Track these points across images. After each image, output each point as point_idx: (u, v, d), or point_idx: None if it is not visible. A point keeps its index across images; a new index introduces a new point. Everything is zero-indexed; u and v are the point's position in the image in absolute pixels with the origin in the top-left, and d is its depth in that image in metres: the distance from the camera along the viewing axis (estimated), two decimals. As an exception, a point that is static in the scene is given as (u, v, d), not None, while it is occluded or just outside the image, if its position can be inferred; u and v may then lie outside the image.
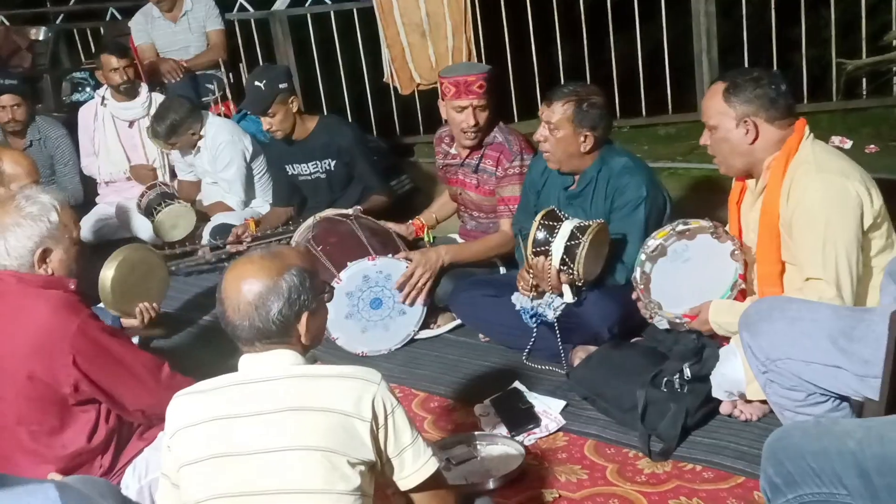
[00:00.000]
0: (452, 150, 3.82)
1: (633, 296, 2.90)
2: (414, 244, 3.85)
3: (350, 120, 5.87)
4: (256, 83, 4.15)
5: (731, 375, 2.66)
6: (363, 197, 4.27)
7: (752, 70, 2.65)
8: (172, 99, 4.87)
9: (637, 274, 2.77)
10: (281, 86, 4.16)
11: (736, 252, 2.73)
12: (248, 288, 1.89)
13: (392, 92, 5.96)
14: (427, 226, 3.96)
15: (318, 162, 4.35)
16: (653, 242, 2.76)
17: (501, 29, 5.87)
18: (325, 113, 5.86)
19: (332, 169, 4.33)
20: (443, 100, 3.63)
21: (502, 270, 3.73)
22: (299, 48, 6.20)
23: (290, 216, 4.58)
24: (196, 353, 3.73)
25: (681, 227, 2.75)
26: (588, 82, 5.57)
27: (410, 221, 3.97)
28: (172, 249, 4.59)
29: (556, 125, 3.16)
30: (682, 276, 2.77)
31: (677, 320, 2.79)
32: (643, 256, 2.75)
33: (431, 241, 3.87)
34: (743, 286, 2.75)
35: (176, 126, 4.69)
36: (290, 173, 4.46)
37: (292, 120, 4.24)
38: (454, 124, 3.63)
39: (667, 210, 3.26)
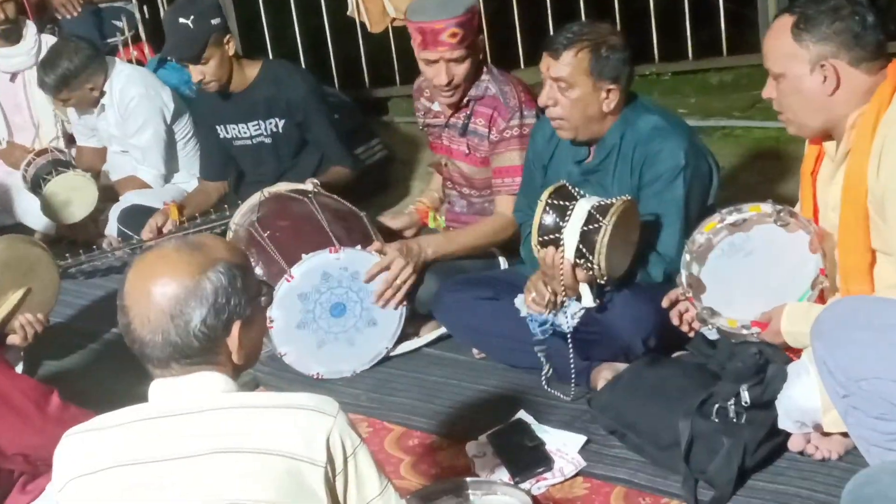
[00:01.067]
0: (434, 107, 3.82)
1: (673, 308, 2.91)
2: (395, 233, 3.85)
3: (303, 67, 5.85)
4: (181, 19, 4.14)
5: (803, 401, 2.66)
6: (321, 168, 4.27)
7: (829, -1, 2.65)
8: (67, 40, 4.85)
9: (683, 278, 2.78)
10: (214, 21, 4.16)
11: (814, 241, 2.73)
12: (160, 291, 1.88)
13: (359, 30, 5.94)
14: (432, 208, 3.97)
15: (260, 122, 4.34)
16: (699, 237, 2.77)
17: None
18: (270, 58, 5.84)
19: (280, 131, 4.33)
20: (414, 47, 3.64)
21: (503, 264, 3.72)
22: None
23: (223, 194, 4.57)
24: (98, 377, 3.71)
25: (733, 217, 2.75)
26: (612, 17, 5.61)
27: (412, 207, 3.98)
28: (71, 238, 4.58)
29: (569, 81, 3.16)
30: (746, 273, 2.77)
31: (744, 330, 2.80)
32: (688, 256, 2.76)
33: (443, 226, 3.88)
34: (826, 284, 2.75)
35: (68, 77, 4.67)
36: (222, 137, 4.45)
37: (228, 67, 4.23)
38: (427, 79, 3.64)
39: (713, 182, 3.27)
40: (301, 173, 4.17)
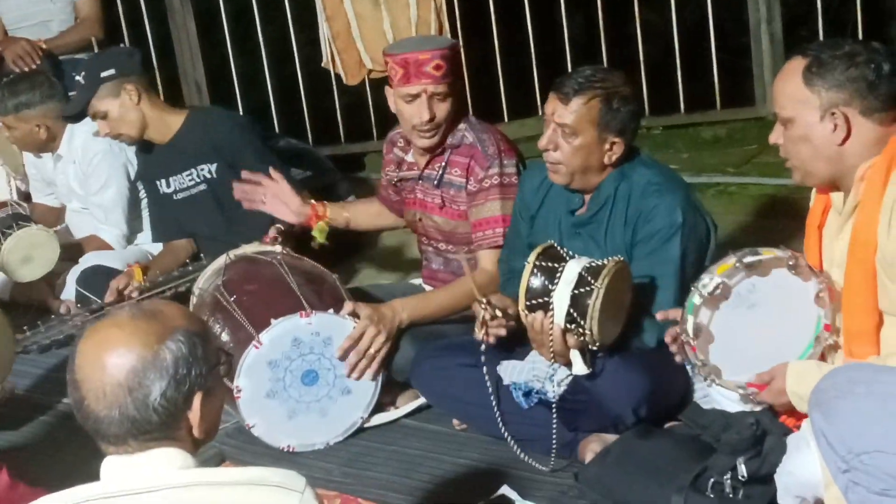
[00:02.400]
0: (409, 157, 3.83)
1: (678, 357, 2.88)
2: (370, 296, 3.84)
3: (274, 123, 5.88)
4: (76, 76, 4.21)
5: (803, 475, 2.63)
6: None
7: (842, 43, 2.64)
8: (44, 74, 4.89)
9: (689, 325, 2.74)
10: (105, 73, 4.19)
11: (822, 294, 2.72)
12: (115, 363, 1.86)
13: (334, 82, 5.97)
14: (328, 219, 3.94)
15: (193, 170, 4.36)
16: (710, 280, 2.73)
17: (485, -6, 5.95)
18: (241, 110, 5.86)
19: (214, 176, 4.33)
20: (391, 86, 3.66)
21: (484, 329, 3.70)
22: (205, 22, 6.22)
23: (192, 253, 4.56)
24: (52, 452, 3.67)
25: (749, 259, 2.72)
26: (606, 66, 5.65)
27: (311, 201, 3.94)
28: (26, 301, 4.54)
29: (575, 128, 3.18)
30: (746, 328, 2.75)
31: (740, 391, 2.78)
32: (697, 299, 2.73)
33: (323, 241, 3.86)
34: (831, 341, 2.73)
35: (20, 105, 4.68)
36: (162, 192, 4.45)
37: (137, 116, 4.25)
38: (405, 120, 3.65)
39: (710, 243, 3.27)
40: (252, 222, 4.15)
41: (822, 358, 2.75)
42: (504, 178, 3.58)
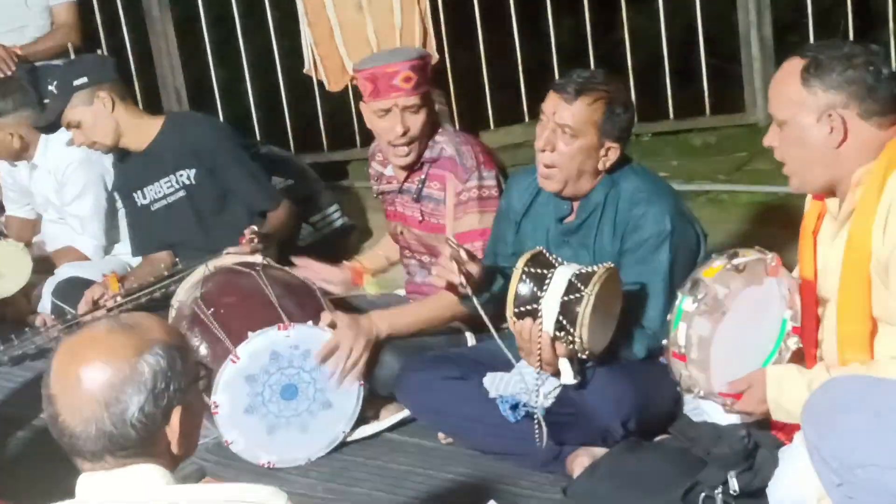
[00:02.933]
0: (387, 171, 3.84)
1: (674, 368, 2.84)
2: (352, 307, 3.83)
3: (255, 130, 5.86)
4: (48, 86, 4.20)
5: (796, 489, 2.63)
6: (253, 221, 4.21)
7: (841, 44, 2.65)
8: (17, 81, 4.87)
9: (680, 335, 2.67)
10: (77, 81, 4.18)
11: (784, 293, 2.70)
12: (92, 377, 1.85)
13: (316, 89, 5.96)
14: (371, 270, 3.95)
15: (171, 176, 4.34)
16: (703, 284, 2.67)
17: (471, 0, 5.93)
18: (222, 118, 5.85)
19: (193, 182, 4.31)
20: (364, 101, 3.68)
21: (470, 340, 3.71)
22: (185, 29, 6.20)
23: (171, 264, 4.53)
24: (26, 468, 3.66)
25: (738, 260, 2.71)
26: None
27: (346, 263, 3.95)
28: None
29: (577, 129, 3.18)
30: (722, 335, 2.74)
31: (717, 399, 2.77)
32: (691, 301, 2.66)
33: (377, 292, 3.86)
34: (798, 345, 2.72)
35: None
36: (140, 204, 4.43)
37: (112, 123, 4.23)
38: (379, 136, 3.68)
39: (700, 251, 3.28)
40: (230, 230, 4.12)
41: (790, 361, 2.73)
42: (483, 190, 3.59)
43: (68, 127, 4.25)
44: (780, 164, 2.74)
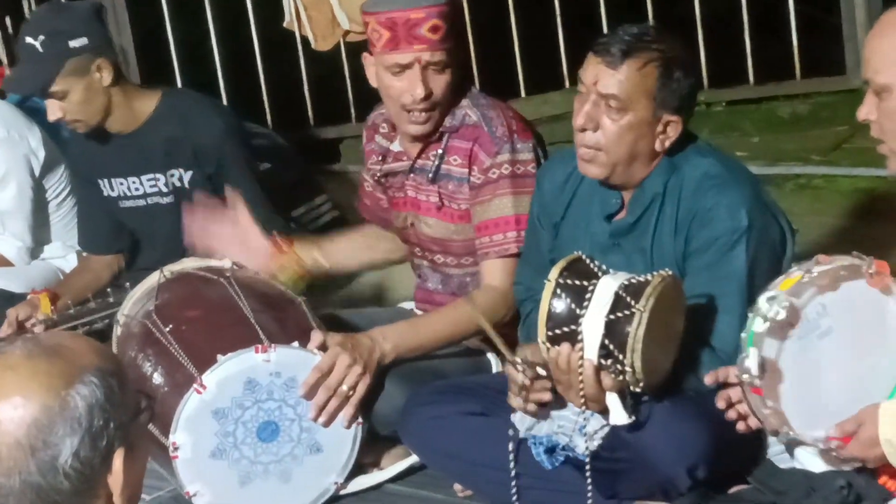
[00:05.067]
0: (395, 146, 3.84)
1: (736, 403, 2.86)
2: (346, 323, 3.85)
3: (222, 99, 5.88)
4: (28, 39, 4.16)
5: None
6: None
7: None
8: None
9: (750, 362, 2.71)
10: (74, 43, 4.16)
11: None
12: (11, 416, 1.85)
13: (300, 48, 5.99)
14: (298, 261, 3.90)
15: (156, 175, 4.34)
16: (779, 300, 2.70)
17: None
18: (179, 86, 5.87)
19: (185, 186, 4.32)
20: (371, 53, 3.67)
21: (494, 365, 3.73)
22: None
23: (115, 273, 4.56)
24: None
25: (820, 269, 2.72)
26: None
27: (273, 235, 3.91)
28: None
29: (625, 101, 3.19)
30: (819, 363, 2.75)
31: (819, 446, 2.77)
32: (760, 322, 2.71)
33: (300, 290, 3.83)
34: None
35: None
36: (105, 195, 4.45)
37: (101, 101, 4.23)
38: (390, 98, 3.66)
39: (787, 251, 3.27)
40: None
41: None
42: (517, 166, 3.59)
43: (48, 96, 4.23)
44: (885, 142, 2.75)
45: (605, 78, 3.19)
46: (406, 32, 3.55)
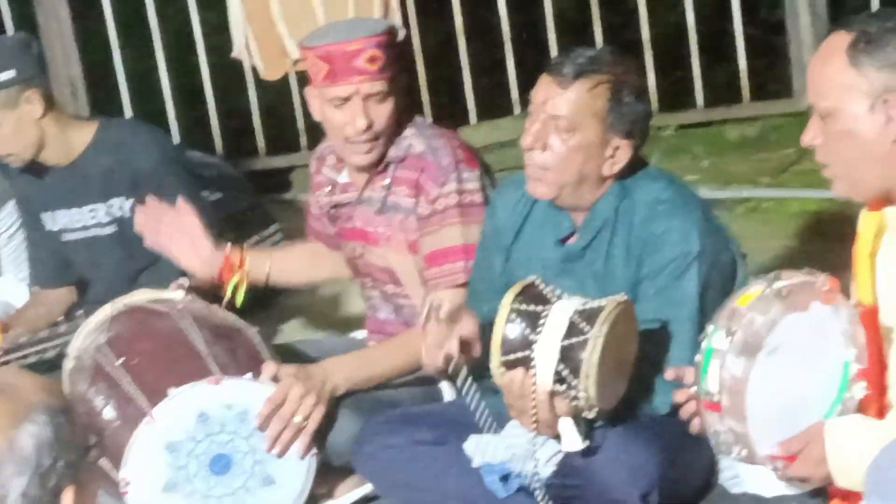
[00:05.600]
0: (342, 178, 3.84)
1: (694, 425, 2.86)
2: (299, 354, 3.84)
3: (171, 129, 5.85)
4: None
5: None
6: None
7: (895, 13, 2.67)
8: None
9: (712, 380, 2.67)
10: (3, 76, 4.11)
11: (845, 326, 2.71)
12: (-46, 458, 1.85)
13: (250, 77, 5.98)
14: (243, 274, 3.89)
15: (97, 205, 4.32)
16: (742, 314, 2.69)
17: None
18: (128, 117, 5.85)
19: (127, 215, 4.30)
20: (312, 86, 3.67)
21: (447, 394, 3.72)
22: (81, 4, 6.21)
23: (70, 306, 4.53)
24: None
25: (780, 284, 2.72)
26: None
27: (228, 248, 3.89)
28: None
29: (574, 121, 3.20)
30: (768, 380, 2.73)
31: (769, 464, 2.76)
32: (723, 336, 2.67)
33: (240, 301, 3.83)
34: (866, 391, 2.73)
35: None
36: (48, 229, 4.43)
37: (34, 133, 4.20)
38: (333, 130, 3.66)
39: (737, 275, 3.29)
40: (166, 273, 4.13)
41: (859, 410, 2.74)
42: (464, 196, 3.59)
43: None
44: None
45: (554, 98, 3.20)
46: (344, 65, 3.55)
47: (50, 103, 4.25)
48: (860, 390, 2.72)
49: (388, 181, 3.69)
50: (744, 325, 2.67)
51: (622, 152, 3.24)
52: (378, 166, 3.69)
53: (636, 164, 3.32)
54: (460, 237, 3.58)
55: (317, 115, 3.72)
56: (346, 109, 3.58)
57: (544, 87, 3.22)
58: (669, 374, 2.94)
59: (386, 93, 3.59)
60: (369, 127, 3.58)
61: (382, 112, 3.60)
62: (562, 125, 3.19)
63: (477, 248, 3.57)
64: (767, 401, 2.70)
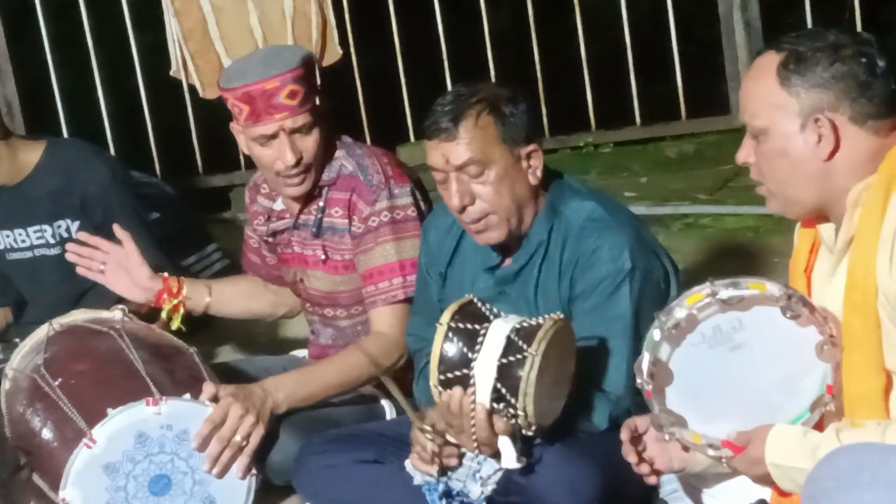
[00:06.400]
0: (277, 206, 3.84)
1: (631, 458, 2.88)
2: (239, 373, 3.83)
3: (109, 148, 5.82)
4: None
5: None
6: None
7: (825, 33, 2.68)
8: None
9: (645, 364, 2.70)
10: None
11: (826, 346, 2.73)
12: None
13: (187, 95, 5.96)
14: (181, 299, 3.91)
15: (43, 227, 4.30)
16: (678, 312, 2.71)
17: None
18: (64, 135, 5.82)
19: (73, 237, 4.28)
20: (236, 124, 3.68)
21: (388, 412, 3.73)
22: (15, 22, 6.18)
23: (4, 327, 4.52)
24: None
25: (729, 292, 2.71)
26: (532, 72, 5.66)
27: (164, 276, 3.90)
28: None
29: (481, 159, 3.19)
30: (729, 372, 2.72)
31: (710, 450, 2.77)
32: (657, 333, 2.70)
33: (178, 327, 3.85)
34: (831, 407, 2.73)
35: None
36: None
37: None
38: (264, 167, 3.67)
39: (672, 290, 3.30)
40: (105, 297, 4.13)
41: (820, 426, 2.76)
42: (396, 212, 3.60)
43: None
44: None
45: (451, 152, 3.19)
46: (265, 104, 3.54)
47: (2, 127, 4.24)
48: (828, 404, 2.73)
49: (322, 204, 3.70)
50: (677, 320, 2.68)
51: (535, 157, 3.25)
52: (313, 192, 3.69)
53: (551, 176, 3.33)
54: (395, 254, 3.60)
55: (245, 151, 3.73)
56: (274, 146, 3.58)
57: (435, 150, 3.23)
58: (624, 434, 2.91)
59: (310, 124, 3.59)
60: (299, 161, 3.58)
61: (310, 143, 3.60)
62: (473, 170, 3.20)
63: (416, 272, 3.58)
64: (700, 385, 2.71)
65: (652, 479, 2.93)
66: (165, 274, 3.93)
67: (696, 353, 2.71)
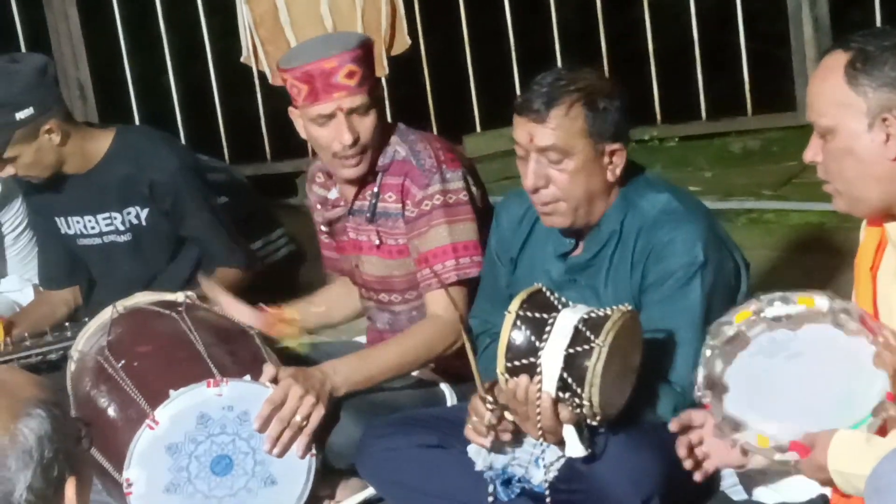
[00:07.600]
0: (332, 194, 3.84)
1: (686, 461, 2.86)
2: (299, 356, 3.84)
3: (179, 133, 5.84)
4: None
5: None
6: (198, 273, 4.22)
7: (892, 31, 2.67)
8: None
9: (700, 378, 2.72)
10: (20, 115, 4.05)
11: (882, 354, 2.71)
12: (-40, 454, 1.83)
13: (258, 82, 5.97)
14: (291, 321, 3.92)
15: (114, 213, 4.31)
16: (727, 329, 2.71)
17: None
18: (136, 122, 5.84)
19: (143, 223, 4.30)
20: (295, 107, 3.67)
21: (450, 397, 3.73)
22: (90, 7, 6.21)
23: (73, 308, 4.54)
24: None
25: (776, 309, 2.70)
26: (598, 65, 5.67)
27: (266, 308, 3.91)
28: None
29: (564, 148, 3.19)
30: (790, 379, 2.72)
31: (778, 454, 2.75)
32: (709, 351, 2.72)
33: (303, 351, 3.87)
34: (893, 412, 2.72)
35: None
36: (63, 232, 4.42)
37: (54, 157, 4.18)
38: (321, 148, 3.67)
39: (742, 286, 3.29)
40: (175, 281, 4.16)
41: (882, 432, 2.74)
42: (449, 196, 3.59)
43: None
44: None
45: (537, 133, 3.19)
46: (323, 83, 3.54)
47: (68, 124, 4.24)
48: (890, 411, 2.71)
49: (376, 189, 3.70)
50: (728, 337, 2.68)
51: (618, 155, 3.24)
52: (368, 177, 3.69)
53: (635, 173, 3.32)
54: (448, 236, 3.59)
55: (303, 135, 3.74)
56: (331, 126, 3.58)
57: (522, 127, 3.22)
58: (674, 426, 2.90)
59: (368, 105, 3.59)
60: (356, 141, 3.58)
61: (367, 124, 3.60)
62: (554, 156, 3.19)
63: (468, 255, 3.59)
64: (760, 390, 2.71)
65: (697, 476, 2.91)
66: (262, 305, 3.94)
67: (753, 362, 2.70)
